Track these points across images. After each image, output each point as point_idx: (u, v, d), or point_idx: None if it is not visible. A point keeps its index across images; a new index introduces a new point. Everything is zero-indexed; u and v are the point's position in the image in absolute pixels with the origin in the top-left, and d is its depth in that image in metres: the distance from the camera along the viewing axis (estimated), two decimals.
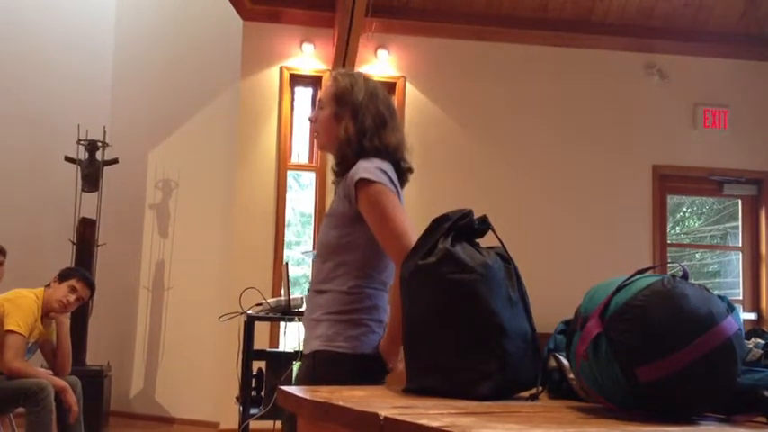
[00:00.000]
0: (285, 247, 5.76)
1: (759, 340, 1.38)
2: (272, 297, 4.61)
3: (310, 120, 2.19)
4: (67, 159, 5.96)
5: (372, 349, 1.95)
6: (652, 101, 6.15)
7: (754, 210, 6.32)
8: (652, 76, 6.14)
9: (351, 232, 1.98)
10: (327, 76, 2.25)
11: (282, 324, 5.22)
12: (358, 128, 2.04)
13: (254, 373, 3.90)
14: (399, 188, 2.03)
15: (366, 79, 2.14)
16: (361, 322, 1.96)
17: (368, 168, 1.95)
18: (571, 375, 1.41)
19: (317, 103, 2.18)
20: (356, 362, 1.93)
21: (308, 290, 2.12)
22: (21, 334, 3.77)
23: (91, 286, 4.15)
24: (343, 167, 2.05)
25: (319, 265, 2.05)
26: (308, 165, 5.95)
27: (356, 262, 1.98)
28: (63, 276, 4.08)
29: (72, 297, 4.01)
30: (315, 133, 2.17)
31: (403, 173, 2.09)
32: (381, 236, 1.92)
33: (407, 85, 5.88)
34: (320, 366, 1.96)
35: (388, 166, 2.01)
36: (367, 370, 1.94)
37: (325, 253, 2.03)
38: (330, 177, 2.21)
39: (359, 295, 1.97)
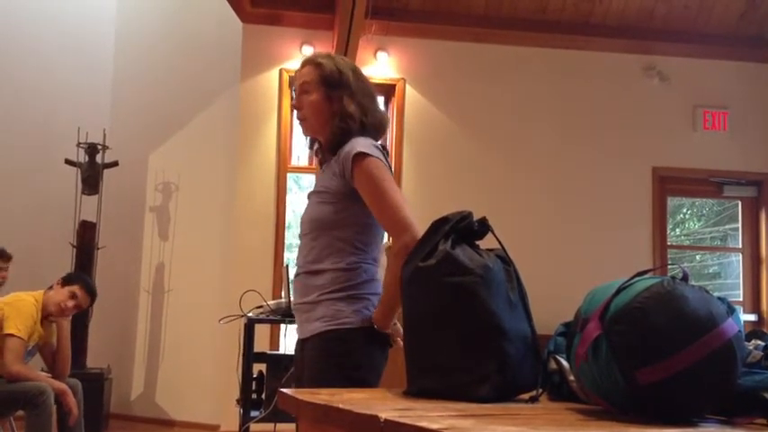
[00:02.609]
0: (285, 249, 5.76)
1: (759, 342, 1.37)
2: (273, 299, 4.61)
3: (294, 106, 2.17)
4: (67, 162, 5.96)
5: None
6: (652, 102, 6.15)
7: (754, 211, 6.32)
8: (652, 77, 6.15)
9: (345, 208, 2.02)
10: (303, 61, 2.24)
11: (283, 326, 5.22)
12: (358, 106, 2.09)
13: (254, 376, 3.90)
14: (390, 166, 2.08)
15: (344, 59, 2.20)
16: (362, 296, 2.01)
17: (364, 144, 2.01)
18: (571, 377, 1.41)
19: (297, 88, 2.17)
20: (364, 334, 1.98)
21: (297, 273, 2.12)
22: (20, 337, 3.77)
23: (92, 295, 4.14)
24: (338, 146, 2.07)
25: (310, 242, 2.07)
26: (307, 167, 5.95)
27: (351, 238, 2.02)
28: (67, 281, 4.08)
29: (71, 303, 4.01)
30: (301, 119, 2.16)
31: (387, 152, 2.15)
32: (377, 207, 1.97)
33: (407, 87, 5.89)
34: (330, 346, 1.98)
35: (379, 145, 2.07)
36: (375, 341, 2.00)
37: (316, 229, 2.05)
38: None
39: (356, 271, 2.02)
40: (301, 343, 2.10)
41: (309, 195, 2.16)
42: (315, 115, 2.12)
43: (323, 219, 2.04)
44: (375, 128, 2.11)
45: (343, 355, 1.98)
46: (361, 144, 2.01)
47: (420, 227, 1.89)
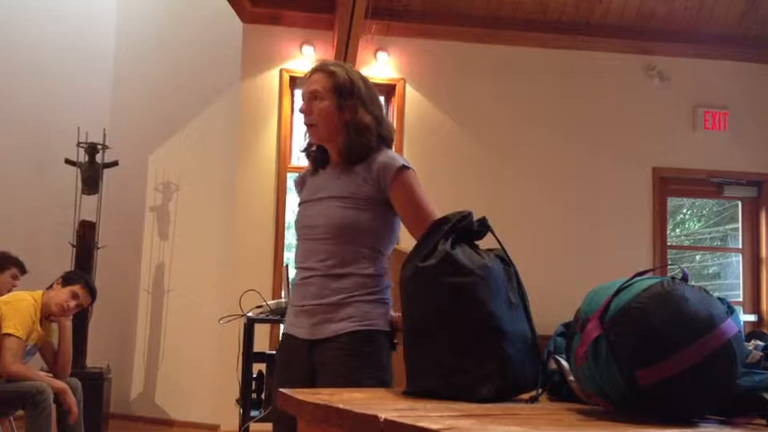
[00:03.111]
0: (285, 249, 5.76)
1: (759, 342, 1.38)
2: (273, 299, 4.61)
3: (303, 112, 2.17)
4: (67, 162, 5.96)
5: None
6: (652, 103, 6.15)
7: (754, 211, 6.32)
8: (652, 77, 6.15)
9: (377, 216, 2.07)
10: (313, 66, 2.27)
11: (283, 326, 5.21)
12: (373, 117, 2.14)
13: (254, 376, 3.90)
14: None
15: (353, 68, 2.25)
16: (385, 301, 2.10)
17: (399, 157, 2.12)
18: (571, 377, 1.41)
19: (306, 94, 2.16)
20: (388, 338, 2.08)
21: (311, 275, 2.09)
22: (18, 337, 3.76)
23: (93, 294, 4.14)
24: (356, 155, 2.10)
25: (331, 246, 2.06)
26: (308, 167, 5.94)
27: (378, 245, 2.09)
28: (67, 280, 4.07)
29: (72, 303, 4.01)
30: (309, 125, 2.16)
31: None
32: (414, 216, 2.05)
33: (407, 87, 5.89)
34: (360, 346, 2.02)
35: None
36: (392, 345, 2.09)
37: (342, 235, 2.05)
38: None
39: (382, 277, 2.10)
40: (310, 344, 2.07)
41: (320, 199, 2.13)
42: (325, 123, 2.12)
43: (352, 225, 2.04)
44: (389, 138, 2.18)
45: (372, 356, 2.03)
46: (398, 157, 2.11)
47: None
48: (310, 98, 2.15)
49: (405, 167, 2.07)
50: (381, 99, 5.88)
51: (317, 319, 2.06)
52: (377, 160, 2.08)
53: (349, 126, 2.10)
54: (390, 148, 2.18)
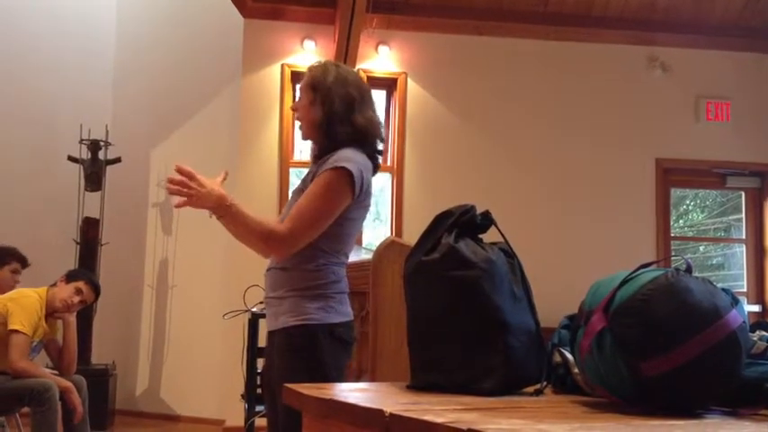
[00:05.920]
0: None
1: (764, 333, 1.37)
2: None
3: (292, 109, 2.27)
4: (70, 159, 5.97)
5: (336, 313, 2.10)
6: (654, 94, 6.14)
7: (757, 202, 6.31)
8: (654, 69, 6.13)
9: None
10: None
11: None
12: (326, 111, 2.14)
13: (258, 371, 3.91)
14: (365, 189, 2.11)
15: (338, 66, 2.24)
16: (325, 295, 2.10)
17: (349, 158, 2.07)
18: (576, 370, 1.41)
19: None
20: (326, 330, 2.08)
21: (269, 268, 2.21)
22: (25, 333, 3.78)
23: (96, 291, 4.15)
24: (323, 153, 2.15)
25: None
26: (310, 162, 5.94)
27: (320, 244, 2.10)
28: (71, 277, 4.08)
29: (76, 299, 4.02)
30: (299, 120, 2.25)
31: (374, 158, 2.20)
32: (303, 203, 2.06)
33: (409, 80, 5.88)
34: (296, 341, 2.08)
35: (367, 165, 2.12)
36: (337, 336, 2.10)
37: None
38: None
39: (323, 272, 2.11)
40: (270, 335, 2.20)
41: (293, 195, 2.24)
42: (303, 120, 2.22)
43: None
44: (351, 135, 2.13)
45: (307, 350, 2.07)
46: (345, 158, 2.06)
47: (294, 249, 2.06)
48: (299, 96, 2.25)
49: (339, 168, 2.04)
50: (382, 93, 5.91)
51: (272, 310, 2.18)
52: (331, 156, 2.10)
53: (317, 124, 2.16)
54: (362, 145, 2.14)
